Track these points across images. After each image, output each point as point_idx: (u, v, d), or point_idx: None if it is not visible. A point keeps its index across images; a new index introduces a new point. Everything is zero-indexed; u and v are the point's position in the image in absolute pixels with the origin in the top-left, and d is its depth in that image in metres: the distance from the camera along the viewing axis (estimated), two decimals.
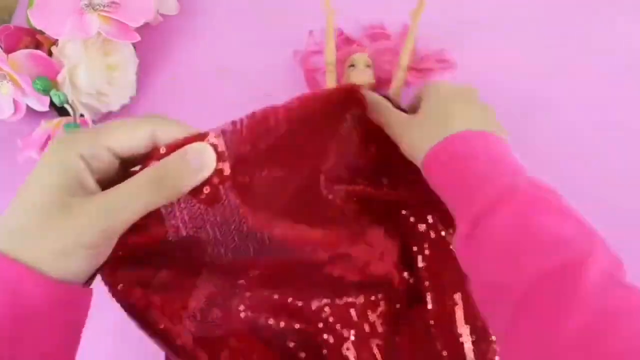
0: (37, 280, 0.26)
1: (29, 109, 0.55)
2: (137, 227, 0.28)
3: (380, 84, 0.52)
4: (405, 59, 0.50)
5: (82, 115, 0.54)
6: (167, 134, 0.29)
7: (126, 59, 0.57)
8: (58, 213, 0.26)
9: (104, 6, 0.53)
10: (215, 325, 0.38)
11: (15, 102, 0.54)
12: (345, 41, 0.57)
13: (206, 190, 0.30)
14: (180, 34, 0.63)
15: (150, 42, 0.60)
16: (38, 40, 0.57)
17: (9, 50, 0.53)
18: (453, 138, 0.34)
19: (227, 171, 0.30)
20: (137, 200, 0.27)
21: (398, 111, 0.39)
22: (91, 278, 0.30)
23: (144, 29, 0.56)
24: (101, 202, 0.27)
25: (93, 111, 0.56)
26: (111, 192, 0.27)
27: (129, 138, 0.28)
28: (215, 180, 0.30)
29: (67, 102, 0.53)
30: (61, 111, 0.55)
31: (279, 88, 0.57)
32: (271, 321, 0.41)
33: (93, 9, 0.52)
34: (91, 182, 0.27)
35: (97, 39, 0.54)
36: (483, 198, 0.31)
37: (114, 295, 0.31)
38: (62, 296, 0.27)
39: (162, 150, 0.28)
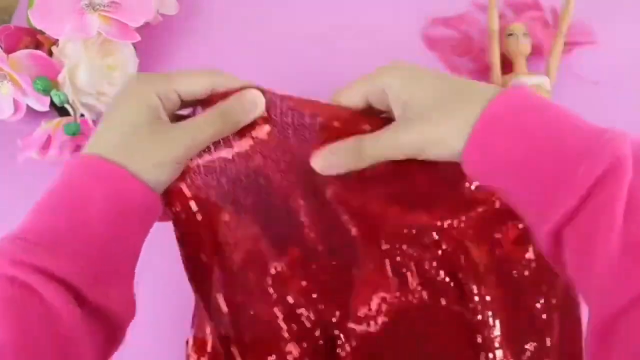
0: (140, 187, 0.31)
1: (29, 109, 0.54)
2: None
3: (533, 53, 0.56)
4: (565, 26, 0.53)
5: (82, 115, 0.54)
6: (224, 84, 0.35)
7: (126, 59, 0.57)
8: (153, 132, 0.32)
9: (104, 6, 0.53)
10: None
11: (15, 102, 0.54)
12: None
13: (251, 129, 0.36)
14: (180, 34, 0.63)
15: (150, 42, 0.60)
16: (38, 40, 0.57)
17: (9, 50, 0.53)
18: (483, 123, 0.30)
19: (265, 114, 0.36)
20: (211, 127, 0.33)
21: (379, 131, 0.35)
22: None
23: (144, 29, 0.56)
24: (185, 126, 0.33)
25: (93, 111, 0.56)
26: (191, 120, 0.34)
27: (194, 84, 0.34)
28: (259, 121, 0.36)
29: (68, 102, 0.53)
30: (61, 111, 0.55)
31: (279, 88, 0.57)
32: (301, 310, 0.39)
33: (93, 9, 0.52)
34: (165, 116, 0.33)
35: (97, 39, 0.54)
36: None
37: (173, 212, 0.35)
38: (153, 203, 0.33)
39: (217, 97, 0.34)
